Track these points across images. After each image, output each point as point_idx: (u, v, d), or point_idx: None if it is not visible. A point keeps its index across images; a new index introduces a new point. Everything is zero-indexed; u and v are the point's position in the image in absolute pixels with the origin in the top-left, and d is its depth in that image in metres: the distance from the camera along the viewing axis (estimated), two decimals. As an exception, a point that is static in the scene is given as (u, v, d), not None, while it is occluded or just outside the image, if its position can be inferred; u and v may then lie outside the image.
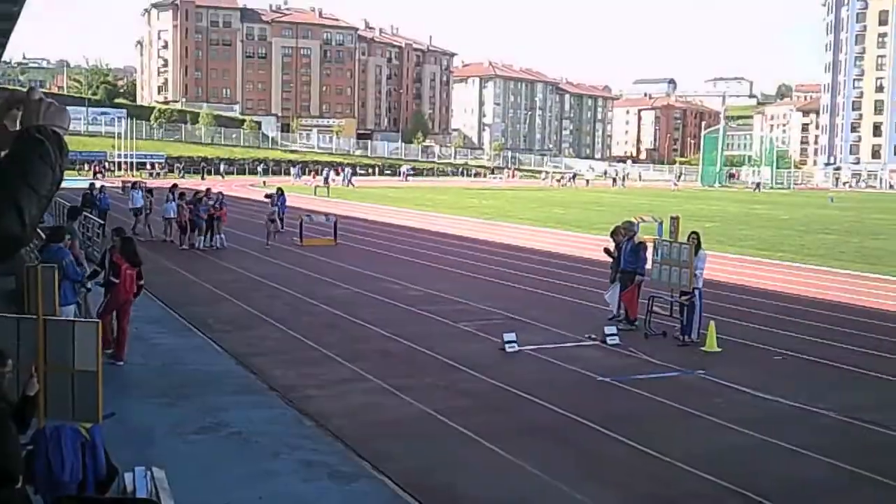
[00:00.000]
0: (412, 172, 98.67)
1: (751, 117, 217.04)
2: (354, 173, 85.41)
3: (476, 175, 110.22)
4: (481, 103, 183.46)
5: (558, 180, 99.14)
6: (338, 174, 79.99)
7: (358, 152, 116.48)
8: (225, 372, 11.80)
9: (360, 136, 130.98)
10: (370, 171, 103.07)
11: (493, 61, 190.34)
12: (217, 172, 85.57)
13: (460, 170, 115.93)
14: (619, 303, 15.50)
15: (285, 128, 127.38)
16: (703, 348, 13.65)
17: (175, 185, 29.12)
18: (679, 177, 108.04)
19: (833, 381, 12.16)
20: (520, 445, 8.98)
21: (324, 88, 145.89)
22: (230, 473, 8.00)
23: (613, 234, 16.42)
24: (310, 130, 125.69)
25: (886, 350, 14.08)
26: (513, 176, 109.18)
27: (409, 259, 25.21)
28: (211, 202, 26.63)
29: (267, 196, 31.76)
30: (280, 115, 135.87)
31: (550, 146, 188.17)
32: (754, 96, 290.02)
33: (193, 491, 7.11)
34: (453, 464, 8.55)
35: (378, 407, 10.34)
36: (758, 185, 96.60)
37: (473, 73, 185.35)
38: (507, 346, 13.20)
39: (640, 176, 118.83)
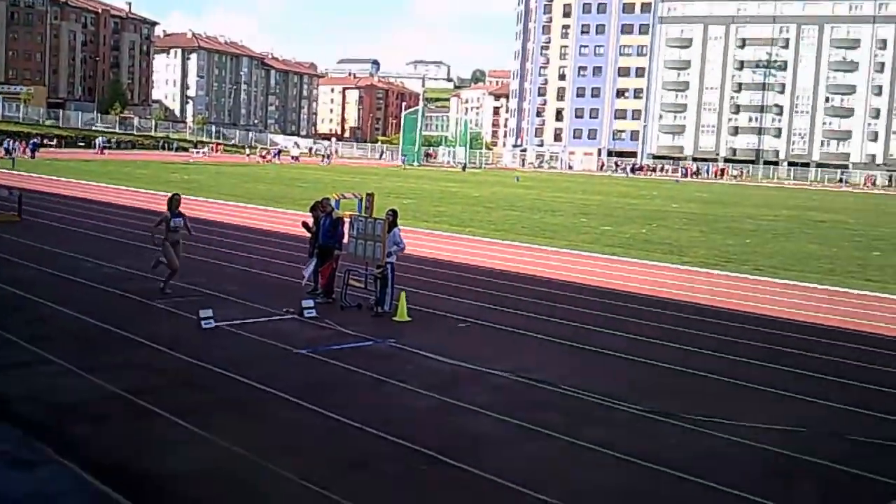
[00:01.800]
0: (108, 144, 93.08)
1: (448, 100, 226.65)
2: (41, 144, 79.16)
3: (179, 149, 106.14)
4: (184, 75, 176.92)
5: (263, 156, 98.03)
6: (26, 145, 73.84)
7: (49, 122, 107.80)
8: None
9: (51, 106, 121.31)
10: (61, 142, 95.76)
11: (196, 33, 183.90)
12: None
13: (162, 143, 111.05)
14: (317, 277, 15.88)
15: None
16: (395, 318, 14.37)
17: None
18: (381, 155, 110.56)
19: (508, 345, 13.29)
20: (217, 421, 9.02)
21: (10, 53, 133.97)
22: None
23: (312, 209, 16.71)
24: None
25: (557, 315, 15.60)
26: (216, 150, 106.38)
27: (103, 236, 24.00)
28: None
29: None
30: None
31: (256, 121, 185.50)
32: (451, 80, 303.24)
33: None
34: (146, 443, 8.41)
35: (63, 389, 9.91)
36: (464, 165, 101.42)
37: (176, 44, 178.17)
38: (203, 322, 13.10)
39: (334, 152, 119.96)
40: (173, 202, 15.86)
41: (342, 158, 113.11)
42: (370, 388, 10.66)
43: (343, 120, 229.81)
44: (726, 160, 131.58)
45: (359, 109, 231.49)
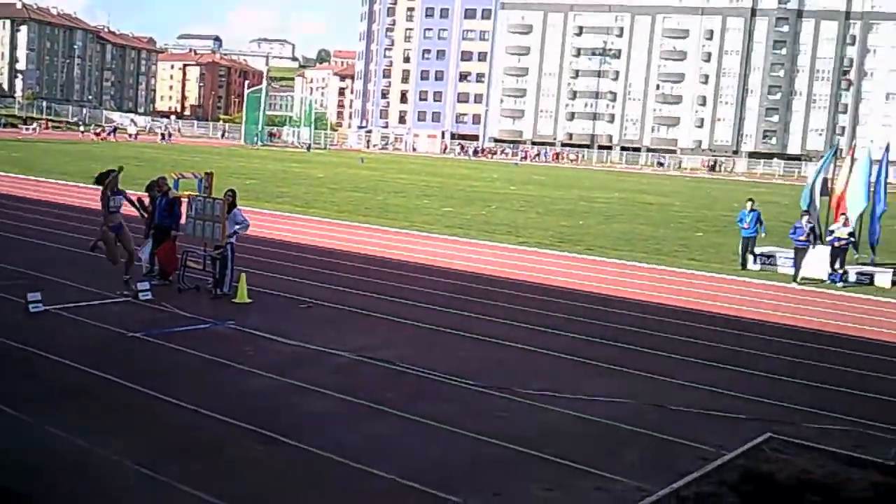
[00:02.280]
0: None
1: (293, 79, 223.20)
2: None
3: (7, 125, 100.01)
4: (13, 48, 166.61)
5: (97, 133, 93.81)
6: None
7: None
8: None
9: None
10: None
11: (26, 3, 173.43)
12: None
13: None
14: (153, 258, 15.52)
15: None
16: (234, 300, 14.25)
17: None
18: (223, 134, 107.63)
19: (350, 325, 13.44)
20: (49, 409, 8.75)
21: None
22: None
23: (149, 189, 16.25)
24: None
25: (398, 295, 15.85)
26: (46, 127, 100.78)
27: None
28: None
29: None
30: None
31: (91, 97, 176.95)
32: (297, 59, 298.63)
33: None
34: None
35: None
36: (309, 146, 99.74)
37: (3, 15, 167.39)
38: (31, 306, 12.60)
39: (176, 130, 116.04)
40: (111, 179, 14.53)
41: (183, 137, 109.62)
42: (209, 371, 10.58)
43: (183, 97, 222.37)
44: (563, 144, 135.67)
45: (200, 87, 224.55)
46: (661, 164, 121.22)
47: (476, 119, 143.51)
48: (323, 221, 27.41)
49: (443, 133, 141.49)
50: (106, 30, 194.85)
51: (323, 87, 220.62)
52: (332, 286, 16.39)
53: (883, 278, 21.17)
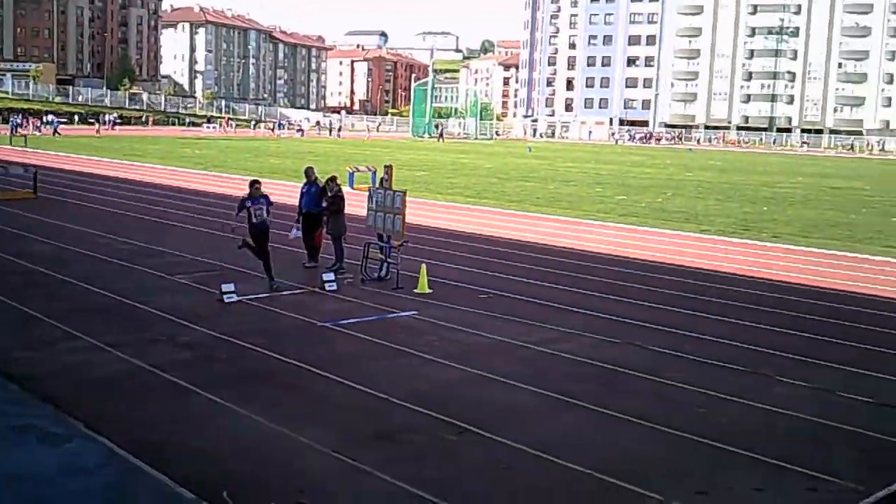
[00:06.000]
0: (118, 121, 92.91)
1: (457, 71, 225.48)
2: (64, 122, 79.25)
3: (191, 124, 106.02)
4: (192, 50, 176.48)
5: (271, 129, 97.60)
6: (40, 122, 74.24)
7: (58, 99, 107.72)
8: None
9: (60, 82, 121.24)
10: (72, 118, 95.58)
11: (203, 6, 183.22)
12: None
13: (170, 119, 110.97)
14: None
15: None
16: (416, 290, 14.33)
17: None
18: (370, 129, 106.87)
19: (533, 315, 13.22)
20: (243, 394, 9.03)
21: (18, 31, 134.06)
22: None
23: (327, 181, 16.44)
24: (3, 75, 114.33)
25: (580, 286, 15.52)
26: (228, 125, 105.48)
27: (119, 212, 24.02)
28: None
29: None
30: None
31: (266, 95, 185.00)
32: (460, 51, 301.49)
33: None
34: (174, 417, 8.43)
35: (91, 365, 9.93)
36: (441, 135, 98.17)
37: (183, 19, 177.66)
38: (225, 296, 13.10)
39: (374, 128, 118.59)
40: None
41: (352, 132, 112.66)
42: (395, 360, 10.63)
43: (352, 93, 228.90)
44: (739, 128, 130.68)
45: (368, 82, 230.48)
46: (852, 148, 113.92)
47: (646, 105, 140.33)
48: (493, 211, 27.35)
49: (610, 120, 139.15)
50: (278, 30, 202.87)
51: (487, 78, 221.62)
52: (510, 276, 16.24)
53: None
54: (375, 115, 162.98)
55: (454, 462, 7.51)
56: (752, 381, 10.15)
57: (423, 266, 14.81)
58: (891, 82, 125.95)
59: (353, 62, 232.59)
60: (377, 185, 16.06)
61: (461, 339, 11.62)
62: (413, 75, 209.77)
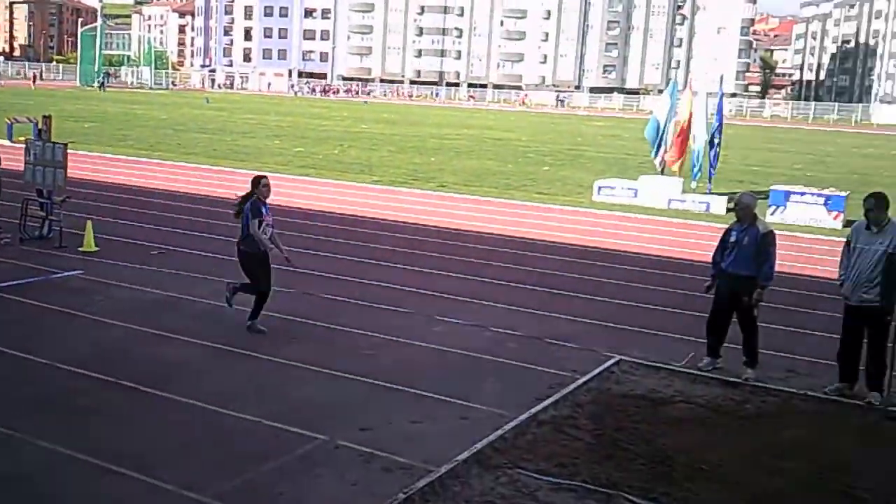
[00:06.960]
0: None
1: (129, 17, 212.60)
2: None
3: None
4: None
5: None
6: None
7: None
8: None
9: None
10: None
11: None
12: None
13: None
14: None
15: None
16: (81, 248, 13.72)
17: None
18: (36, 77, 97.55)
19: (204, 269, 13.13)
20: None
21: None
22: None
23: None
24: None
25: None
26: None
27: None
28: None
29: None
30: None
31: None
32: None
33: None
34: None
35: None
36: (101, 84, 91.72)
37: None
38: None
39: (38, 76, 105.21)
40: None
41: (13, 80, 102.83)
42: (58, 322, 10.19)
43: (12, 37, 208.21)
44: (412, 82, 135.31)
45: (29, 26, 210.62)
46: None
47: (324, 57, 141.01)
48: (167, 164, 26.53)
49: (290, 72, 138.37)
50: None
51: (162, 25, 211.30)
52: (183, 231, 16.00)
53: (718, 205, 22.44)
54: (39, 61, 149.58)
55: (120, 425, 7.41)
56: (412, 321, 10.91)
57: (89, 223, 14.18)
58: (546, 40, 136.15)
59: (11, 3, 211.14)
60: (36, 137, 15.02)
61: (129, 297, 11.35)
62: (80, 20, 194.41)
